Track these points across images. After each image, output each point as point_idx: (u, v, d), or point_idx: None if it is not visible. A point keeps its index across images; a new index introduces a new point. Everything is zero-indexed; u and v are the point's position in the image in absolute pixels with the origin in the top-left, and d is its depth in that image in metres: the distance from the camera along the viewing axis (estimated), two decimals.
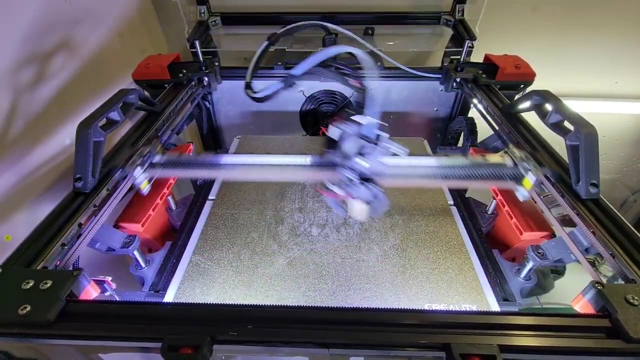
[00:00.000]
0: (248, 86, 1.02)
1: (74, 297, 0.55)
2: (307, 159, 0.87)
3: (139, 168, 0.85)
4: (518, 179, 0.84)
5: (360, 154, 0.69)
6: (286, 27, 1.27)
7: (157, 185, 0.99)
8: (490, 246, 0.98)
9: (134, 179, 0.85)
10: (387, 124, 0.71)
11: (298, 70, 0.86)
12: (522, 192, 0.83)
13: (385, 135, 0.70)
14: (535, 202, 0.89)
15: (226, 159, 0.91)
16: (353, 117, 0.69)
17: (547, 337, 0.50)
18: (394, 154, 0.71)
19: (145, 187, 0.87)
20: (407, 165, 0.86)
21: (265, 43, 1.18)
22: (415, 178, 0.84)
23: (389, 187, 0.73)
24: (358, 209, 0.72)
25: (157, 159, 0.91)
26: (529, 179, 0.82)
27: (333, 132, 0.71)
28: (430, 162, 0.87)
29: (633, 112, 1.93)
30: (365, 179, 0.70)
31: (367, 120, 0.68)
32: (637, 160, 2.17)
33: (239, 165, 0.90)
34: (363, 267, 0.82)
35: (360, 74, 0.73)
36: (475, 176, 0.84)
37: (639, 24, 1.66)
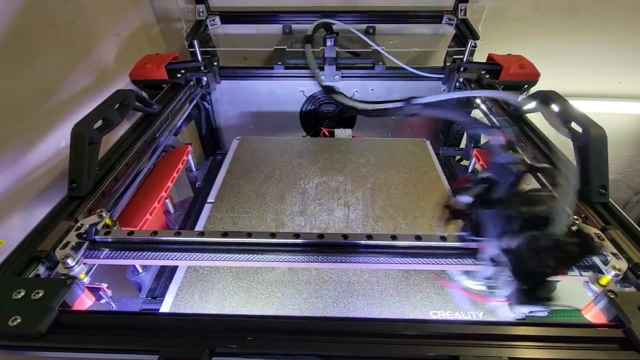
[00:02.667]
0: (331, 90, 0.91)
1: (67, 307, 0.53)
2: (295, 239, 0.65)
3: (70, 259, 0.59)
4: (588, 268, 0.62)
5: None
6: (316, 22, 1.26)
7: (155, 187, 0.97)
8: None
9: (70, 270, 0.60)
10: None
11: (423, 100, 0.73)
12: (593, 289, 0.59)
13: None
14: None
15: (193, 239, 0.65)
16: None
17: (559, 349, 0.48)
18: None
19: (85, 278, 0.61)
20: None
21: (308, 46, 1.18)
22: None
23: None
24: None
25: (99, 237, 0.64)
26: (609, 276, 0.58)
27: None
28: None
29: (637, 112, 1.92)
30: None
31: None
32: None
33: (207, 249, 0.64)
34: (366, 273, 0.80)
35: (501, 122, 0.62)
36: None
37: None
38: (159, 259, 0.64)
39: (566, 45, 1.70)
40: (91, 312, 0.57)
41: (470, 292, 0.60)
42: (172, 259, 0.64)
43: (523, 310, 0.53)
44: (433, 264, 0.63)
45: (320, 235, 0.65)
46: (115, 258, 0.64)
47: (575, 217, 0.68)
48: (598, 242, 0.63)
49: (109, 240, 0.65)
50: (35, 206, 0.92)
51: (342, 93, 0.84)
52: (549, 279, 0.50)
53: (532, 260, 0.48)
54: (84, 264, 0.62)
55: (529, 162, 0.54)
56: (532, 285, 0.49)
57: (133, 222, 0.89)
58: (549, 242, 0.49)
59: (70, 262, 0.59)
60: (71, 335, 0.49)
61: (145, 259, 0.64)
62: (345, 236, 0.65)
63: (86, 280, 0.62)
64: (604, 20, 1.64)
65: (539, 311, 0.65)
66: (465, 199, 0.56)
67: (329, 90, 0.89)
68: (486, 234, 0.54)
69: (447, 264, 0.62)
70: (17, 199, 0.89)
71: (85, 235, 0.64)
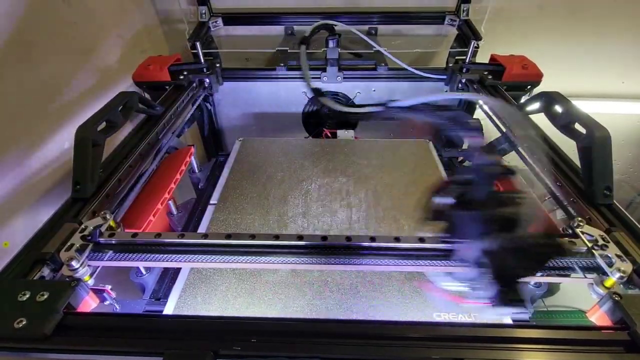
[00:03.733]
0: (319, 93, 0.94)
1: (71, 309, 0.54)
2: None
3: (74, 261, 0.59)
4: (592, 270, 0.61)
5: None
6: (315, 24, 1.26)
7: (158, 189, 0.97)
8: None
9: (75, 273, 0.59)
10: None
11: (402, 103, 0.74)
12: (598, 292, 0.59)
13: None
14: (542, 202, 0.87)
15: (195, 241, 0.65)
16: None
17: (564, 352, 0.48)
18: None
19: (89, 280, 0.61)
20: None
21: (303, 47, 1.18)
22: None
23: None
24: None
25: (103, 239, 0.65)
26: (612, 277, 0.58)
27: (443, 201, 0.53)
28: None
29: None
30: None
31: None
32: None
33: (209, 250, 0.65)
34: (369, 275, 0.80)
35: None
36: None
37: None
38: (162, 261, 0.64)
39: (569, 45, 1.70)
40: (95, 314, 0.57)
41: (449, 294, 0.59)
42: (176, 261, 0.64)
43: (504, 312, 0.53)
44: (436, 265, 0.63)
45: (324, 237, 0.65)
46: (119, 260, 0.64)
47: (579, 218, 0.68)
48: (567, 244, 0.63)
49: (113, 242, 0.66)
50: (40, 208, 0.92)
51: (328, 96, 0.85)
52: (520, 280, 0.50)
53: (502, 262, 0.49)
54: (89, 265, 0.62)
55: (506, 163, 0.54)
56: (506, 287, 0.49)
57: (136, 224, 0.89)
58: (516, 244, 0.49)
59: (74, 264, 0.59)
60: (76, 337, 0.49)
61: (149, 260, 0.64)
62: (348, 238, 0.65)
63: (90, 282, 0.62)
64: (607, 20, 1.63)
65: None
66: (446, 200, 0.55)
67: (317, 93, 0.90)
68: (465, 236, 0.54)
69: (449, 265, 0.62)
70: (21, 200, 0.89)
71: (89, 238, 0.64)
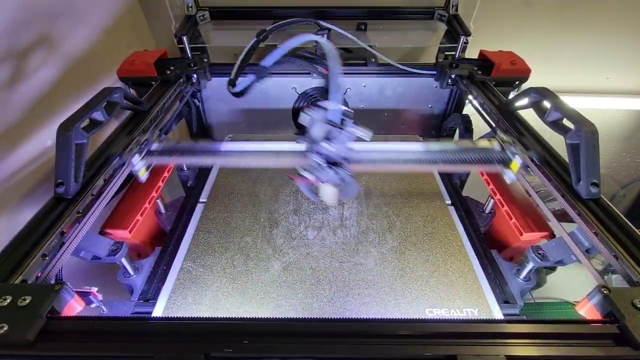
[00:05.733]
0: (231, 82, 0.98)
1: (55, 314, 0.52)
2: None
3: (136, 156, 0.82)
4: (505, 162, 0.84)
5: (327, 138, 0.71)
6: (276, 24, 1.23)
7: (146, 188, 0.95)
8: (488, 246, 0.96)
9: (132, 166, 0.82)
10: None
11: (268, 61, 0.85)
12: (510, 175, 0.84)
13: (349, 120, 0.72)
14: (530, 196, 0.88)
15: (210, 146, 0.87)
16: (319, 103, 0.71)
17: (555, 346, 0.49)
18: (359, 138, 0.73)
19: (143, 175, 0.84)
20: (394, 150, 0.85)
21: (254, 40, 1.13)
22: (402, 163, 0.83)
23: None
24: (328, 193, 0.76)
25: (154, 146, 0.88)
26: (516, 162, 0.83)
27: (303, 118, 0.72)
28: (416, 147, 0.86)
29: (623, 108, 1.95)
30: (333, 163, 0.72)
31: (332, 106, 0.70)
32: (627, 155, 2.20)
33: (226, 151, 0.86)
34: (361, 271, 0.80)
35: (326, 63, 0.73)
36: (462, 160, 0.83)
37: (630, 19, 1.66)
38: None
39: (555, 41, 1.72)
40: (81, 317, 0.55)
41: (306, 180, 0.74)
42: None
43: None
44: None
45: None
46: None
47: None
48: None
49: None
50: (20, 209, 0.89)
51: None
52: None
53: None
54: None
55: None
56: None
57: (123, 224, 0.87)
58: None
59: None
60: (61, 343, 0.47)
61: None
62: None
63: None
64: (592, 16, 1.65)
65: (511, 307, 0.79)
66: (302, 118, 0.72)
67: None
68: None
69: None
70: (1, 202, 0.86)
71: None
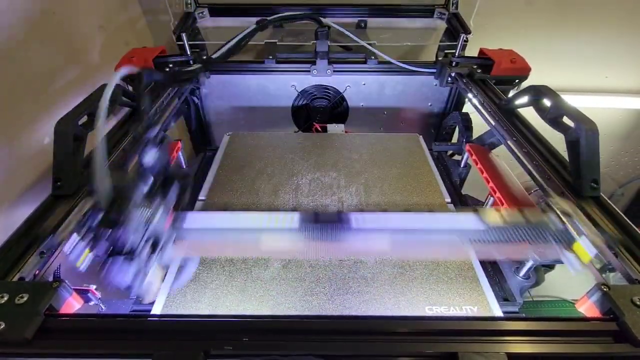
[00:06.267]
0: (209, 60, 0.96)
1: (53, 311, 0.51)
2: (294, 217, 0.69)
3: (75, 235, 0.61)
4: (566, 241, 0.63)
5: None
6: (277, 15, 1.23)
7: None
8: None
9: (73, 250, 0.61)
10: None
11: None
12: (574, 265, 0.59)
13: None
14: (530, 193, 0.88)
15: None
16: None
17: (555, 343, 0.49)
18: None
19: (83, 262, 0.59)
20: (422, 228, 0.73)
21: (253, 26, 1.12)
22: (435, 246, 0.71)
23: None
24: None
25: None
26: (583, 246, 0.59)
27: None
28: (447, 221, 0.72)
29: (622, 107, 1.95)
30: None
31: None
32: (625, 154, 2.20)
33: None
34: (361, 269, 0.79)
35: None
36: (505, 240, 0.65)
37: (629, 18, 1.66)
38: None
39: (555, 40, 1.72)
40: (80, 315, 0.55)
41: None
42: None
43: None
44: None
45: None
46: None
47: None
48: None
49: None
50: (18, 207, 0.88)
51: None
52: None
53: None
54: None
55: None
56: None
57: None
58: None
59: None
60: (59, 341, 0.47)
61: None
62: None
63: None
64: (592, 15, 1.66)
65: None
66: None
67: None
68: None
69: None
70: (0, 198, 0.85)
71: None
